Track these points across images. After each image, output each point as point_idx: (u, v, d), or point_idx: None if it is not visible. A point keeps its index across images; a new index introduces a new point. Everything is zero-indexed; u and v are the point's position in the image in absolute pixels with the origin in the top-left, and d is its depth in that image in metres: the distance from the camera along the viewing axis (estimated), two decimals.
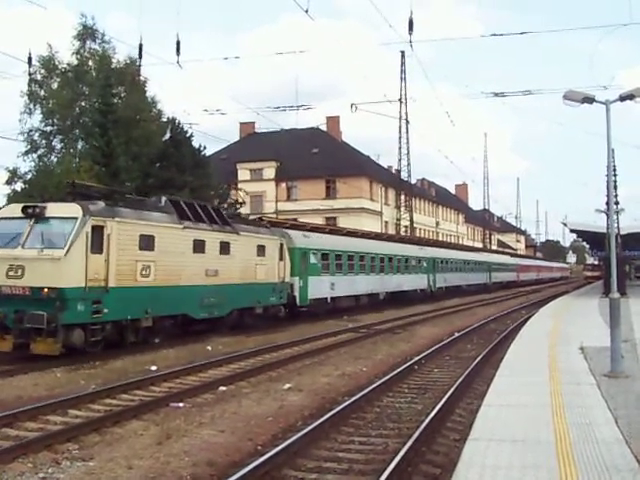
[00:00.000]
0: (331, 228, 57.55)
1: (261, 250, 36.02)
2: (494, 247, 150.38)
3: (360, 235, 58.72)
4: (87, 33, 60.41)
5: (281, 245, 38.17)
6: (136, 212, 26.99)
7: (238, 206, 45.96)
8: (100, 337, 24.44)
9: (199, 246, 30.52)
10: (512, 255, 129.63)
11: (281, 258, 37.95)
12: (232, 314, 33.30)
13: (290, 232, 41.46)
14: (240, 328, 33.36)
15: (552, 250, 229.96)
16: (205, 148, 59.97)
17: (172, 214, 29.08)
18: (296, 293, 39.85)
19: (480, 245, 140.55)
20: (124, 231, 25.70)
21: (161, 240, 27.76)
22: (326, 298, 43.94)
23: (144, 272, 26.71)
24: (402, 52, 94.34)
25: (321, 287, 43.00)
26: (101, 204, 25.49)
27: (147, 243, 27.02)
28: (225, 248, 32.57)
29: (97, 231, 24.36)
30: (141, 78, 61.00)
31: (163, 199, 29.83)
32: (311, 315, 41.27)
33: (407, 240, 72.22)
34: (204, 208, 32.22)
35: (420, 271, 64.10)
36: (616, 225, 48.53)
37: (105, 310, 24.40)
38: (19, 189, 53.73)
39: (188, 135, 57.04)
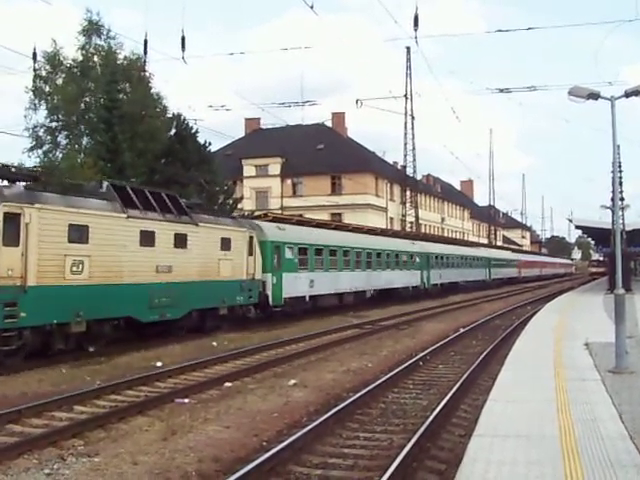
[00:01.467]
0: (318, 222, 54.34)
1: (226, 243, 32.85)
2: (499, 243, 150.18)
3: (351, 229, 56.21)
4: (92, 29, 60.34)
5: (250, 238, 34.90)
6: (64, 198, 23.67)
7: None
8: (17, 346, 21.16)
9: (147, 238, 27.12)
10: (514, 250, 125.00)
11: (250, 252, 34.69)
12: (191, 316, 30.09)
13: (262, 224, 38.45)
14: (202, 332, 30.66)
15: (557, 246, 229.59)
16: (210, 144, 59.98)
17: (114, 201, 25.56)
18: (268, 291, 36.35)
19: (485, 241, 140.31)
20: (48, 220, 22.36)
21: (98, 231, 24.26)
22: (304, 297, 40.53)
23: (75, 269, 23.27)
24: (407, 48, 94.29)
25: (298, 284, 39.56)
26: (19, 187, 22.99)
27: (79, 234, 23.59)
28: (181, 241, 29.25)
29: (11, 219, 21.21)
30: (146, 74, 60.96)
31: (105, 184, 26.41)
32: (286, 315, 37.82)
33: (399, 234, 70.25)
34: (156, 195, 28.91)
35: (413, 267, 61.29)
36: (621, 221, 48.37)
37: (22, 314, 21.02)
38: (23, 185, 53.67)
39: (193, 131, 57.01)
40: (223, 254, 32.57)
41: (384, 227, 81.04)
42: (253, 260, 34.91)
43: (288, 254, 38.96)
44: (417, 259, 62.20)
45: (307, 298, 40.97)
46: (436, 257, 67.83)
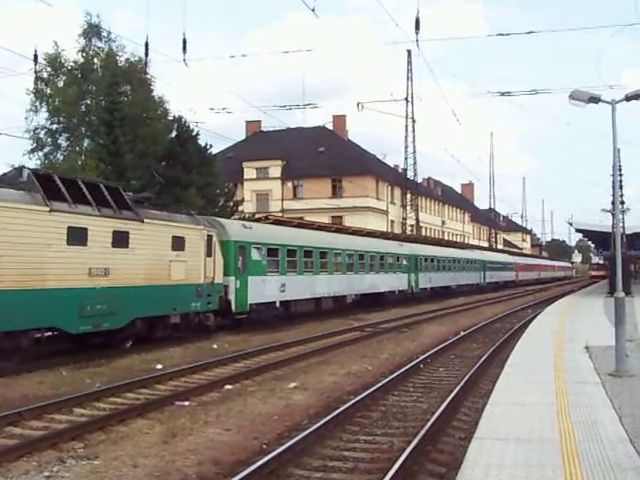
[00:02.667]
0: (299, 222, 52.36)
1: (179, 243, 29.20)
2: (500, 246, 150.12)
3: (334, 230, 52.84)
4: (93, 31, 60.49)
5: (209, 237, 31.28)
6: None
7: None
8: None
9: (78, 236, 23.31)
10: (511, 253, 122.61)
11: (209, 253, 31.13)
12: (134, 325, 26.35)
13: (224, 221, 35.33)
14: (152, 342, 27.98)
15: (558, 249, 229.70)
16: (211, 146, 60.15)
17: (35, 192, 21.92)
18: (231, 297, 32.92)
19: (486, 244, 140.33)
20: None
21: (10, 227, 20.70)
22: (274, 302, 36.90)
23: None
24: (408, 51, 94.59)
25: (266, 289, 35.97)
26: None
27: None
28: (121, 239, 25.30)
29: None
30: (147, 76, 61.04)
31: (25, 172, 22.81)
32: (253, 323, 34.46)
33: (385, 236, 65.09)
34: (92, 187, 25.12)
35: (399, 270, 57.56)
36: (622, 225, 48.38)
37: None
38: None
39: (194, 133, 57.15)
40: (175, 255, 28.92)
41: (384, 230, 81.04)
42: (212, 262, 31.40)
43: (255, 255, 35.30)
44: (404, 261, 58.73)
45: (278, 304, 37.31)
46: (425, 259, 64.37)
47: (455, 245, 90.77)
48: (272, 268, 37.01)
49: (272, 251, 37.09)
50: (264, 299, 35.89)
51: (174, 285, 28.68)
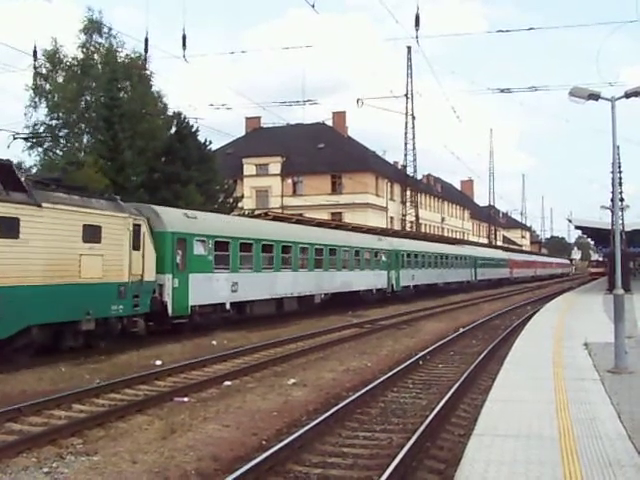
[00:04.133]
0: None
1: (92, 233, 24.30)
2: (499, 243, 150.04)
3: (305, 222, 49.85)
4: (93, 27, 60.45)
5: (136, 227, 26.61)
6: None
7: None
8: None
9: None
10: (505, 249, 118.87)
11: (137, 246, 26.53)
12: (29, 333, 21.61)
13: (159, 209, 30.18)
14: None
15: (557, 246, 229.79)
16: (211, 143, 59.97)
17: None
18: (167, 298, 28.28)
19: (485, 241, 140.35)
20: None
21: None
22: (223, 304, 32.45)
23: None
24: (408, 47, 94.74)
25: (213, 289, 31.56)
26: None
27: None
28: (8, 228, 20.71)
29: None
30: (147, 72, 61.01)
31: None
32: (196, 329, 30.19)
33: (360, 229, 58.74)
34: None
35: (377, 267, 52.63)
36: (621, 222, 48.36)
37: None
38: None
39: (194, 130, 56.97)
40: (88, 248, 24.04)
41: (384, 226, 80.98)
42: (141, 256, 26.78)
43: (199, 249, 30.86)
44: (383, 257, 53.85)
45: (228, 305, 32.71)
46: (408, 255, 59.79)
47: (442, 240, 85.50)
48: (221, 264, 32.38)
49: (221, 245, 32.49)
50: (210, 300, 31.48)
51: (86, 284, 23.81)
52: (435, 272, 67.55)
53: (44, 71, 59.02)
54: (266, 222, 42.84)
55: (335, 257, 45.45)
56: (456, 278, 74.65)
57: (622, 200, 59.36)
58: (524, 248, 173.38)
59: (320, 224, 50.33)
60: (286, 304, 38.84)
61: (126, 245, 26.01)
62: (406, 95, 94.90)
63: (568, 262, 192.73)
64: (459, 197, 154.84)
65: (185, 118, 57.19)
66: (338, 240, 47.10)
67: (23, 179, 22.33)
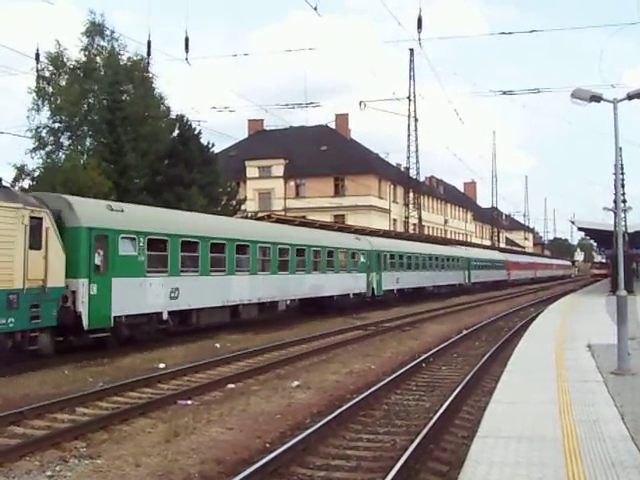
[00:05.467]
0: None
1: None
2: (502, 245, 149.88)
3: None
4: (95, 30, 60.55)
5: (35, 221, 21.92)
6: None
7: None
8: None
9: None
10: (502, 250, 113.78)
11: (36, 245, 21.83)
12: None
13: (73, 199, 25.35)
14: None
15: (560, 248, 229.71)
16: (213, 145, 60.14)
17: None
18: (82, 308, 23.30)
19: (488, 243, 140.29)
20: None
21: None
22: (158, 314, 27.54)
23: None
24: (411, 50, 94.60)
25: (145, 295, 26.77)
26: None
27: None
28: None
29: None
30: (149, 75, 61.13)
31: None
32: (128, 343, 26.26)
33: (332, 227, 55.10)
34: None
35: (355, 269, 47.37)
36: (623, 223, 48.39)
37: None
38: (27, 186, 53.72)
39: (196, 132, 57.13)
40: None
41: (387, 228, 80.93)
42: (42, 257, 22.04)
43: (126, 248, 25.97)
44: (362, 258, 48.47)
45: (165, 315, 27.81)
46: (391, 256, 54.45)
47: (431, 240, 79.90)
48: (156, 266, 27.75)
49: (156, 243, 27.76)
50: (142, 309, 26.62)
51: None
52: (423, 275, 62.54)
53: (47, 74, 59.15)
54: (217, 217, 38.69)
55: (304, 258, 40.44)
56: (447, 281, 70.21)
57: (625, 202, 59.46)
58: (527, 250, 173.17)
59: (303, 224, 49.43)
60: (243, 312, 33.78)
61: (20, 244, 21.21)
62: (408, 97, 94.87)
63: (570, 264, 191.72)
64: (462, 199, 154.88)
65: (188, 121, 57.37)
66: (307, 239, 41.82)
67: None
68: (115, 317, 24.88)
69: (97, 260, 24.46)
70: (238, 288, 33.13)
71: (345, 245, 46.75)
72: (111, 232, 25.18)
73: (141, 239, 26.60)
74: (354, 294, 46.92)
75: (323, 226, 49.24)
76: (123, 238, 25.83)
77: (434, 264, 66.25)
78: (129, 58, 61.42)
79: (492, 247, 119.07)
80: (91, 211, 25.31)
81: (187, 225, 30.82)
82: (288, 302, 39.78)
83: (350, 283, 46.38)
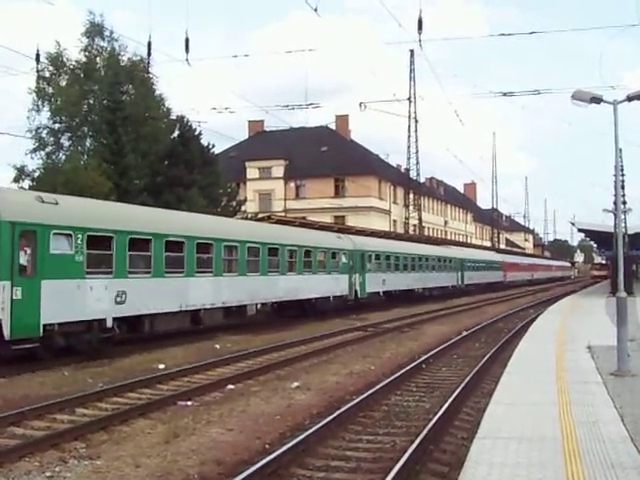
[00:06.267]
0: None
1: None
2: (502, 246, 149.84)
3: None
4: (95, 30, 60.61)
5: None
6: None
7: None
8: None
9: None
10: (499, 251, 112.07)
11: None
12: None
13: None
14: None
15: (560, 249, 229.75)
16: (214, 146, 60.23)
17: None
18: (2, 315, 20.65)
19: (489, 244, 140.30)
20: None
21: None
22: (101, 320, 24.35)
23: None
24: (411, 51, 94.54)
25: (84, 300, 23.57)
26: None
27: None
28: None
29: None
30: (150, 76, 61.17)
31: None
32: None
33: (312, 226, 51.01)
34: None
35: (336, 270, 44.19)
36: (623, 225, 48.34)
37: None
38: (27, 187, 53.77)
39: (196, 133, 57.19)
40: None
41: (387, 229, 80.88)
42: None
43: (59, 246, 22.94)
44: (343, 259, 45.41)
45: (109, 322, 24.71)
46: (377, 257, 51.55)
47: (422, 240, 76.75)
48: (99, 267, 24.78)
49: (99, 241, 24.59)
50: (79, 315, 23.47)
51: None
52: (412, 276, 59.15)
53: (47, 74, 59.18)
54: (173, 212, 34.47)
55: (277, 258, 37.11)
56: (438, 283, 66.73)
57: (625, 203, 59.40)
58: (527, 251, 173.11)
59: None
60: (205, 317, 30.88)
61: None
62: (409, 98, 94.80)
63: (569, 265, 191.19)
64: (462, 200, 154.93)
65: (188, 121, 57.45)
66: (281, 237, 38.57)
67: None
68: (45, 325, 21.89)
69: (22, 260, 21.64)
70: (199, 291, 30.06)
71: (324, 244, 43.69)
72: (41, 227, 22.18)
73: (79, 236, 23.43)
74: (335, 297, 43.92)
75: (303, 224, 48.03)
76: (56, 234, 22.74)
77: (424, 265, 63.29)
78: (129, 59, 61.53)
79: (488, 247, 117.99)
80: (15, 202, 22.75)
81: (137, 221, 27.65)
82: (259, 306, 36.04)
83: (330, 285, 43.32)
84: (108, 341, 24.97)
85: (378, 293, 51.17)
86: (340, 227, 50.36)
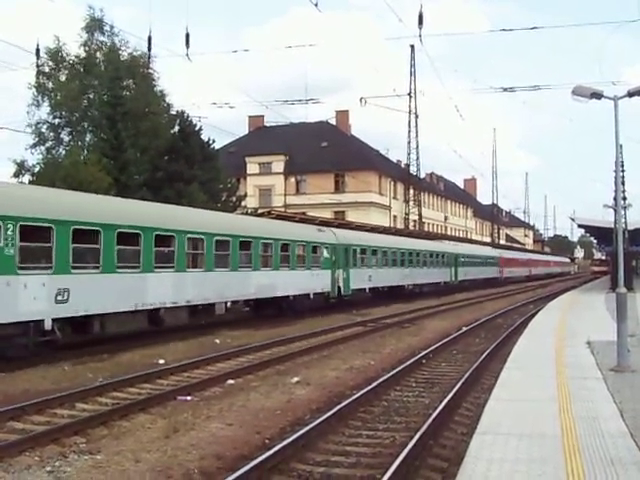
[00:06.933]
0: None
1: None
2: (502, 242, 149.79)
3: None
4: (95, 25, 60.55)
5: None
6: None
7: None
8: None
9: None
10: (495, 245, 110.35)
11: None
12: None
13: None
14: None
15: (560, 245, 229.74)
16: (214, 141, 60.13)
17: None
18: None
19: (489, 240, 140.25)
20: None
21: None
22: (38, 322, 21.53)
23: None
24: (412, 46, 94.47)
25: (16, 299, 20.88)
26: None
27: None
28: None
29: None
30: (150, 71, 61.13)
31: None
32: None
33: (292, 219, 47.89)
34: None
35: (316, 265, 41.39)
36: (623, 220, 48.32)
37: None
38: (27, 181, 53.73)
39: (197, 128, 57.09)
40: None
41: (387, 225, 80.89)
42: None
43: None
44: (325, 253, 42.57)
45: (48, 324, 21.77)
46: (362, 251, 48.33)
47: (414, 234, 74.68)
48: (35, 262, 21.97)
49: (36, 232, 21.75)
50: (10, 317, 20.70)
51: None
52: (401, 272, 56.04)
53: (47, 69, 59.13)
54: (127, 201, 31.61)
55: (249, 252, 34.02)
56: (429, 279, 63.50)
57: (625, 199, 59.34)
58: (527, 247, 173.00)
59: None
60: (166, 317, 28.03)
61: None
62: (409, 94, 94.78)
63: (568, 260, 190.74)
64: (462, 196, 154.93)
65: (188, 117, 57.35)
66: (254, 229, 35.73)
67: None
68: None
69: None
70: (158, 289, 27.13)
71: (304, 237, 40.68)
72: None
73: (9, 226, 20.59)
74: (315, 294, 40.94)
75: (280, 217, 46.62)
76: None
77: (415, 260, 60.05)
78: (130, 54, 61.46)
79: (485, 243, 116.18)
80: None
81: (81, 209, 24.39)
82: (229, 304, 33.35)
83: (310, 281, 40.36)
84: (47, 345, 22.30)
85: (364, 290, 48.36)
86: (322, 220, 49.25)
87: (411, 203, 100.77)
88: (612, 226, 49.62)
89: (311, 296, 40.35)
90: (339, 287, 43.68)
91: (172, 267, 27.98)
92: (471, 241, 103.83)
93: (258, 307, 37.12)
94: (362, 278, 47.21)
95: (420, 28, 35.40)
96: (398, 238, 60.31)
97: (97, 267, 24.01)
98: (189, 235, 29.21)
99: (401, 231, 73.39)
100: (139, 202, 32.29)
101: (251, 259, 34.04)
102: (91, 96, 59.42)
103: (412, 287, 59.00)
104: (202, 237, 30.04)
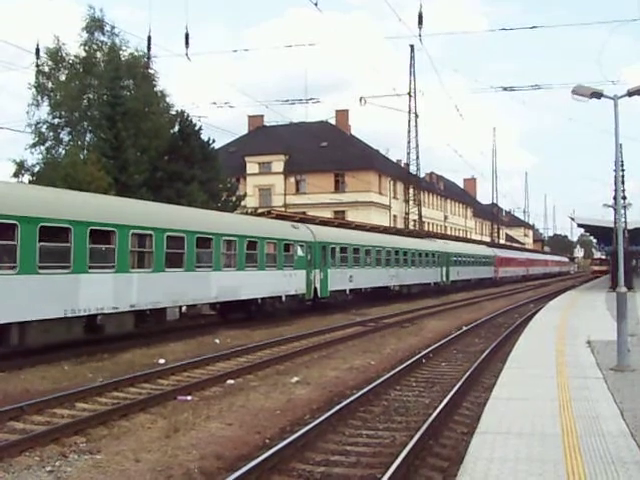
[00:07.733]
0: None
1: None
2: (502, 241, 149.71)
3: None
4: (95, 25, 60.49)
5: None
6: None
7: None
8: None
9: None
10: (489, 244, 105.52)
11: None
12: None
13: None
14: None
15: (560, 244, 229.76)
16: (214, 141, 60.12)
17: None
18: None
19: (488, 239, 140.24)
20: None
21: None
22: None
23: None
24: (411, 46, 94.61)
25: None
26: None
27: None
28: None
29: None
30: (150, 71, 61.09)
31: None
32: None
33: (275, 216, 46.23)
34: None
35: (289, 265, 37.61)
36: (623, 220, 48.30)
37: None
38: (27, 181, 53.71)
39: (197, 128, 57.08)
40: None
41: (387, 224, 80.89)
42: None
43: None
44: (299, 251, 38.99)
45: None
46: (342, 249, 44.81)
47: (404, 233, 71.17)
48: None
49: None
50: None
51: None
52: (386, 272, 52.34)
53: (46, 69, 59.08)
54: (55, 190, 26.87)
55: (210, 250, 30.42)
56: (418, 279, 59.81)
57: (625, 198, 59.38)
58: (527, 246, 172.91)
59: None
60: (107, 324, 24.70)
61: None
62: (409, 93, 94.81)
63: (567, 260, 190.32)
64: (462, 195, 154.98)
65: (188, 116, 57.35)
66: (215, 225, 32.07)
67: None
68: None
69: None
70: (95, 292, 23.53)
71: (274, 234, 36.82)
72: None
73: None
74: (288, 296, 37.44)
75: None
76: None
77: (401, 259, 56.00)
78: (130, 54, 61.41)
79: (480, 241, 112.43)
80: None
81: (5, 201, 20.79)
82: (184, 309, 30.56)
83: (282, 283, 36.73)
84: None
85: (344, 291, 45.03)
86: (302, 217, 48.14)
87: (411, 203, 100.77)
88: (612, 225, 49.70)
89: (283, 299, 36.94)
90: (316, 289, 40.63)
91: (112, 267, 24.40)
92: (466, 240, 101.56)
93: (224, 311, 34.26)
94: (342, 279, 44.20)
95: (420, 28, 35.61)
96: (384, 236, 56.64)
97: (13, 267, 20.35)
98: (133, 231, 25.53)
99: (388, 229, 67.86)
100: (72, 192, 28.25)
101: (211, 258, 30.39)
102: (91, 96, 59.35)
103: (399, 288, 55.80)
104: (150, 233, 26.40)
